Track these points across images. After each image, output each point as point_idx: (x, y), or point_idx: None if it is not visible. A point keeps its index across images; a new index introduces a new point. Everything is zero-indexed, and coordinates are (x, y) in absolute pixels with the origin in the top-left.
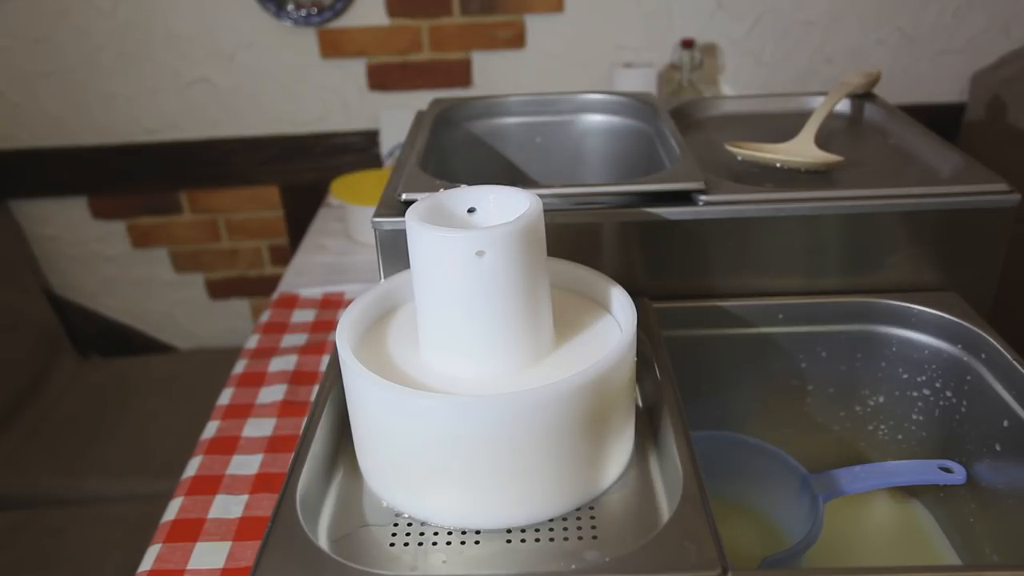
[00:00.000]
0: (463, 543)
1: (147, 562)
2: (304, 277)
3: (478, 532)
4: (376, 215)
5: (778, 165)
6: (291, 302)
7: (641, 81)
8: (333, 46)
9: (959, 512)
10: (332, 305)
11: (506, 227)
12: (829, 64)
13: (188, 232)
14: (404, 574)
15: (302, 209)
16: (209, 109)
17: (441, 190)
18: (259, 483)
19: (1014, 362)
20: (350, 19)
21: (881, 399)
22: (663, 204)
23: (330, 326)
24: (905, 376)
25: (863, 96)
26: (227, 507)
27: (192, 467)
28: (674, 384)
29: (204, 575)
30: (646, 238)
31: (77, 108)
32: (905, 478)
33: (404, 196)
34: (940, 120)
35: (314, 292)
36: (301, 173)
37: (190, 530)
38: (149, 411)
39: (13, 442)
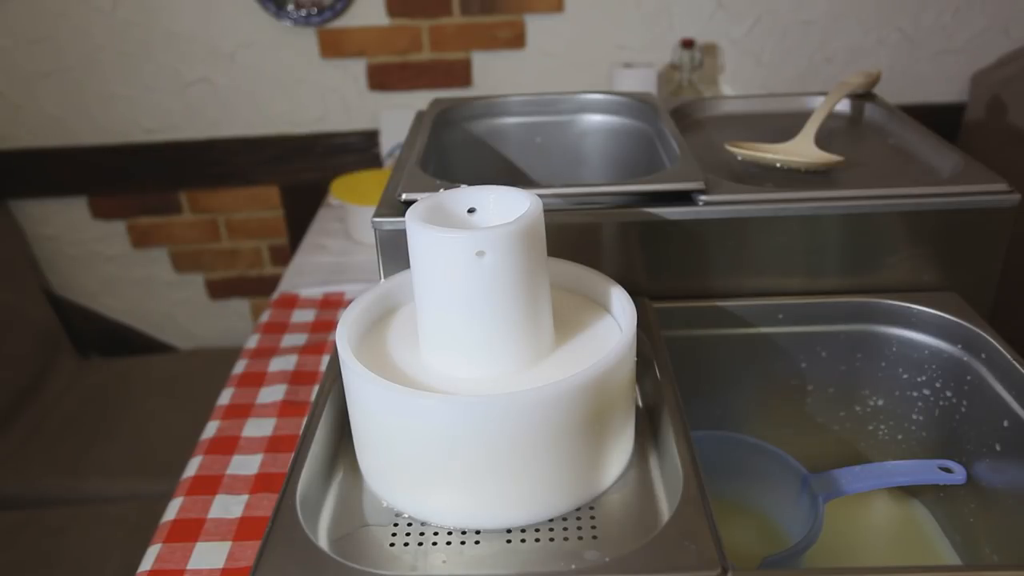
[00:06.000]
0: (463, 543)
1: (147, 562)
2: (304, 277)
3: (478, 532)
4: (376, 215)
5: (778, 165)
6: (291, 302)
7: (641, 81)
8: (333, 46)
9: (959, 512)
10: (332, 305)
11: (506, 227)
12: (829, 64)
13: (188, 232)
14: (404, 574)
15: (302, 209)
16: (209, 109)
17: (441, 190)
18: (259, 483)
19: (1014, 362)
20: (350, 19)
21: (881, 399)
22: (663, 204)
23: (330, 326)
24: (905, 376)
25: (863, 96)
26: (227, 507)
27: (192, 467)
28: (674, 384)
29: (204, 575)
30: (646, 238)
31: (77, 108)
32: (905, 478)
33: (404, 196)
34: (940, 120)
35: (314, 292)
36: (301, 173)
37: (190, 530)
38: (149, 411)
39: (13, 442)
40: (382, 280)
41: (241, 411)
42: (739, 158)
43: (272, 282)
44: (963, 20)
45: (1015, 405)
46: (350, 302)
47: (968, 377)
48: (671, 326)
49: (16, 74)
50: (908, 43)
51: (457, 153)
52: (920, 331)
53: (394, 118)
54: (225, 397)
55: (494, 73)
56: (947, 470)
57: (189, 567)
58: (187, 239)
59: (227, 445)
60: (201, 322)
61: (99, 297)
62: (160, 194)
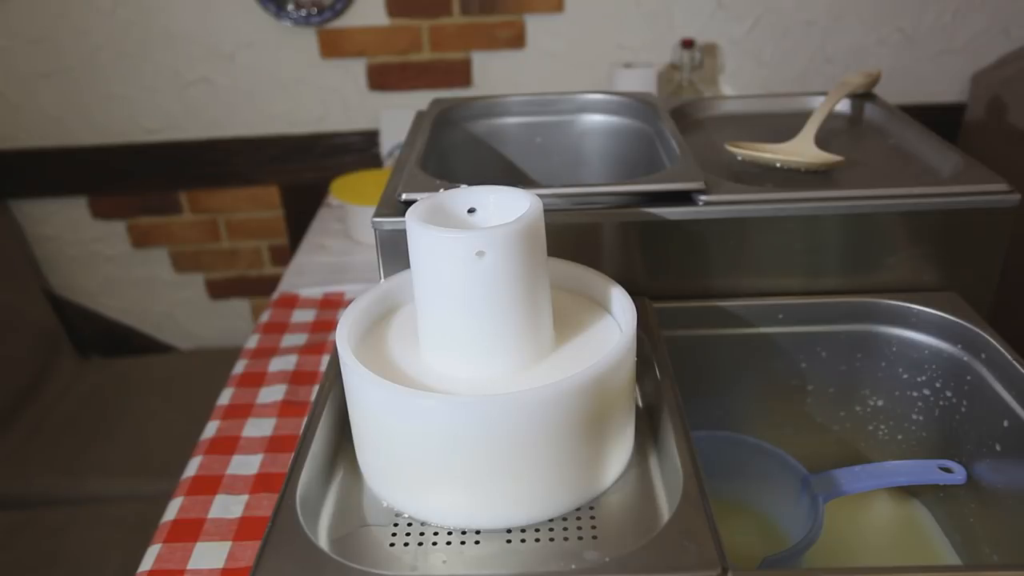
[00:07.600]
0: (463, 543)
1: (147, 562)
2: (304, 277)
3: (478, 532)
4: (376, 215)
5: (778, 165)
6: (291, 302)
7: (641, 81)
8: (333, 46)
9: (959, 512)
10: (332, 305)
11: (506, 227)
12: (829, 64)
13: (188, 232)
14: (404, 574)
15: (302, 209)
16: (209, 109)
17: (441, 190)
18: (259, 483)
19: (1014, 362)
20: (350, 19)
21: (881, 399)
22: (663, 204)
23: (330, 326)
24: (905, 376)
25: (863, 96)
26: (227, 507)
27: (192, 467)
28: (674, 384)
29: (204, 575)
30: (646, 238)
31: (76, 108)
32: (905, 478)
33: (404, 196)
34: (940, 120)
35: (314, 292)
36: (301, 173)
37: (190, 530)
38: (149, 411)
39: (13, 442)
40: (382, 280)
41: (241, 411)
42: (739, 158)
43: (272, 282)
44: (963, 20)
45: (1015, 405)
46: (350, 302)
47: (968, 377)
48: (671, 326)
49: (16, 74)
50: (908, 43)
51: (457, 153)
52: (920, 331)
53: (394, 118)
54: (225, 397)
55: (494, 73)
56: (947, 470)
57: (189, 567)
58: (187, 239)
59: (227, 445)
60: (201, 322)
61: (99, 297)
62: (160, 194)
